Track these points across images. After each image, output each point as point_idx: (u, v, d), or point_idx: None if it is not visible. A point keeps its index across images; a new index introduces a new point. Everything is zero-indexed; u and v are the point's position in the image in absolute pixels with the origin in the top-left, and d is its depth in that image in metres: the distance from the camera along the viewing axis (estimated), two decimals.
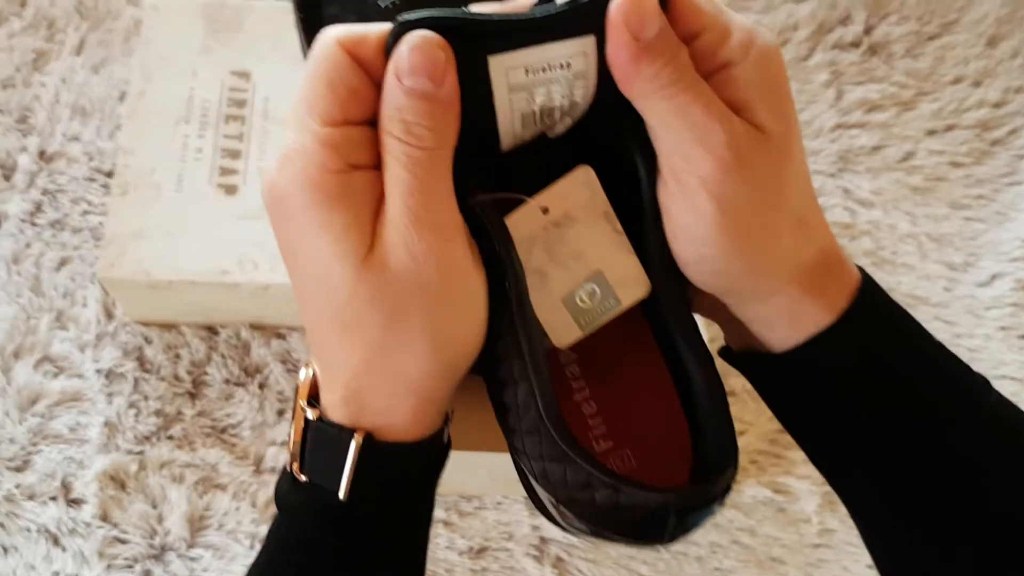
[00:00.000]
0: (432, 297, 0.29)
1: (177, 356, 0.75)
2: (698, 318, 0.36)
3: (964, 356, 0.81)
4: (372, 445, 0.32)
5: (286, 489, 0.35)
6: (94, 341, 0.75)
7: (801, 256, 0.32)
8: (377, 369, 0.31)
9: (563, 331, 0.34)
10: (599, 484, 0.30)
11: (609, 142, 0.33)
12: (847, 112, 0.90)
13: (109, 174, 0.81)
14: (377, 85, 0.29)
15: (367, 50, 0.29)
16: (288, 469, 0.34)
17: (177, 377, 0.74)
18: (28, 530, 0.69)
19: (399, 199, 0.28)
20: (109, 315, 0.76)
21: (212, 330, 0.76)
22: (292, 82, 0.76)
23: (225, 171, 0.72)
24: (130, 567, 0.68)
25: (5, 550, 0.68)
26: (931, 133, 0.90)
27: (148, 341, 0.75)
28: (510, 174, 0.33)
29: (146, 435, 0.72)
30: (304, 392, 0.33)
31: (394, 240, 0.28)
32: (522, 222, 0.33)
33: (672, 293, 0.32)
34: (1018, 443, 0.34)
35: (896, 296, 0.82)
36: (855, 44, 0.93)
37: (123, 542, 0.69)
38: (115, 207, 0.70)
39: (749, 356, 0.36)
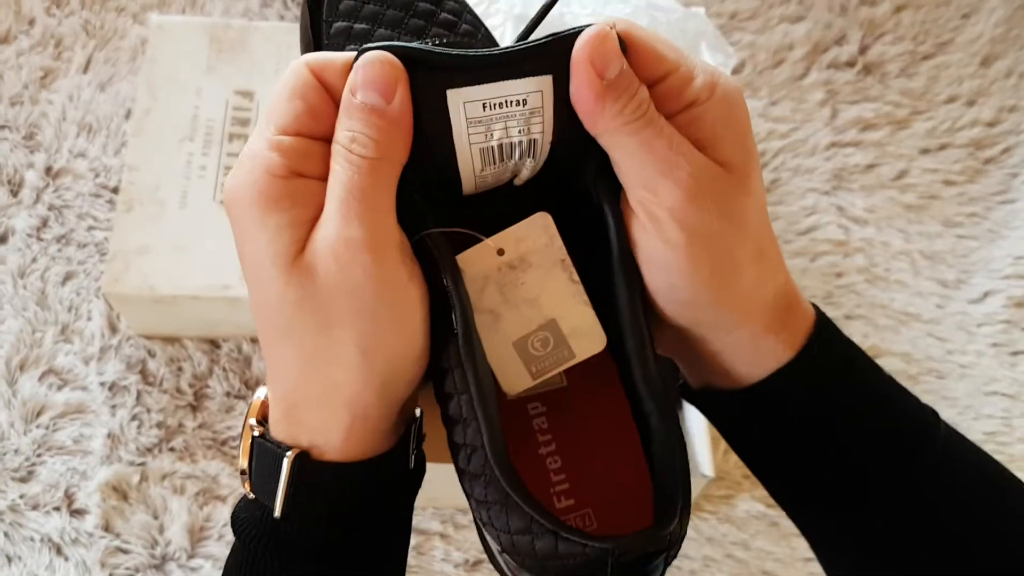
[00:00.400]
0: (358, 305, 0.29)
1: (179, 369, 0.76)
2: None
3: (956, 372, 0.83)
4: (306, 464, 0.32)
5: (240, 506, 0.35)
6: (98, 354, 0.76)
7: (763, 291, 0.33)
8: (310, 379, 0.31)
9: (514, 377, 0.34)
10: (539, 531, 0.30)
11: (574, 190, 0.33)
12: (842, 131, 0.91)
13: (115, 190, 0.82)
14: (337, 106, 0.30)
15: (332, 73, 0.30)
16: (243, 487, 0.35)
17: (179, 390, 0.75)
18: (32, 540, 0.70)
19: (333, 203, 0.29)
20: (113, 329, 0.77)
21: (214, 344, 0.77)
22: None
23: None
24: None
25: (9, 559, 0.70)
26: (925, 152, 0.91)
27: (151, 354, 0.76)
28: (475, 221, 0.33)
29: (148, 447, 0.73)
30: (255, 410, 0.34)
31: (322, 243, 0.29)
32: (476, 260, 0.33)
33: (637, 337, 0.32)
34: (967, 476, 0.35)
35: (889, 313, 0.83)
36: (850, 64, 0.94)
37: (125, 552, 0.70)
38: (120, 223, 0.72)
39: (708, 393, 0.37)
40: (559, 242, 0.34)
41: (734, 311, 0.33)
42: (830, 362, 0.35)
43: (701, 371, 0.37)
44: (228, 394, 0.76)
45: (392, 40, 0.35)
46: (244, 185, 0.30)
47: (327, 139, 0.30)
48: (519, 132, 0.31)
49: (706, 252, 0.31)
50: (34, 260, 0.80)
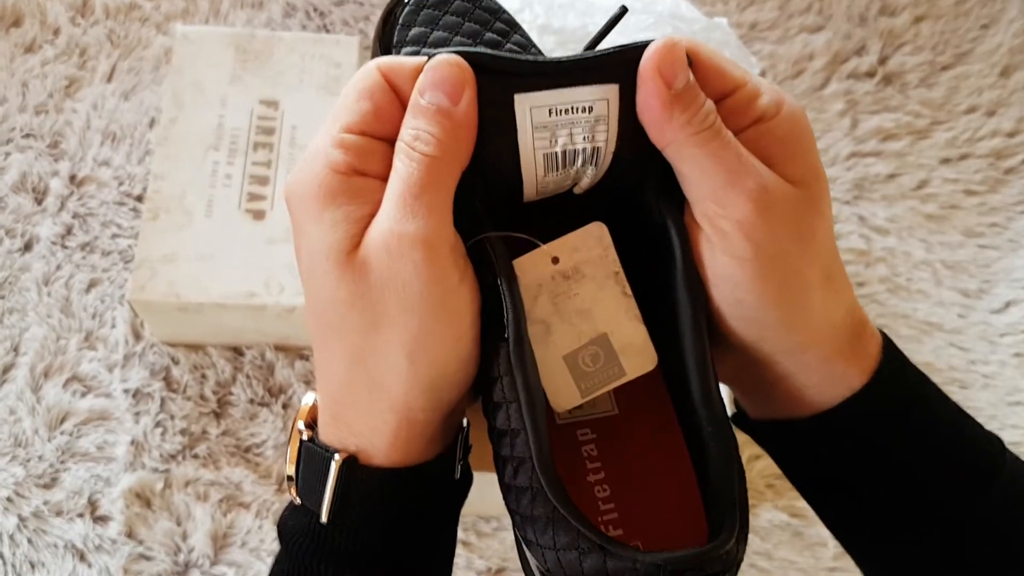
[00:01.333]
0: (407, 302, 0.29)
1: (203, 376, 0.76)
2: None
3: (979, 383, 0.82)
4: (353, 467, 0.32)
5: (286, 514, 0.35)
6: (122, 361, 0.76)
7: (832, 314, 0.33)
8: (358, 380, 0.31)
9: (563, 393, 0.33)
10: (587, 547, 0.29)
11: (634, 204, 0.33)
12: (862, 141, 0.91)
13: (138, 198, 0.83)
14: (404, 109, 0.31)
15: (401, 76, 0.31)
16: (289, 494, 0.35)
17: (203, 397, 0.75)
18: (55, 546, 0.70)
19: (390, 199, 0.29)
20: (137, 336, 0.77)
21: (238, 351, 0.77)
22: (319, 110, 0.78)
23: (253, 197, 0.74)
24: None
25: (33, 566, 0.70)
26: (945, 162, 0.91)
27: (175, 362, 0.77)
28: (533, 230, 0.33)
29: (172, 454, 0.73)
30: (304, 413, 0.34)
31: (375, 237, 0.29)
32: (530, 267, 0.33)
33: (699, 354, 0.31)
34: None
35: (911, 323, 0.83)
36: (870, 74, 0.94)
37: (148, 559, 0.70)
38: (146, 231, 0.72)
39: (771, 423, 0.36)
40: (613, 254, 0.33)
41: (802, 332, 0.32)
42: (902, 389, 0.34)
43: (765, 398, 0.36)
44: (252, 401, 0.76)
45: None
46: (304, 180, 0.30)
47: (391, 141, 0.30)
48: (584, 139, 0.31)
49: (774, 269, 0.31)
50: (58, 267, 0.80)
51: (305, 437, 0.33)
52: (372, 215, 0.30)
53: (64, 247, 0.81)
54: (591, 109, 0.30)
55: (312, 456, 0.33)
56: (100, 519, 0.72)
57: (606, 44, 0.33)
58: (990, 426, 0.81)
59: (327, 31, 0.93)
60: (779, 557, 0.74)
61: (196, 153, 0.76)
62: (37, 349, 0.77)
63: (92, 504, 0.72)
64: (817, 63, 0.94)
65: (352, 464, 0.32)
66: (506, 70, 0.30)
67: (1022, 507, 0.34)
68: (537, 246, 0.33)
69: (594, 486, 0.34)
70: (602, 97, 0.30)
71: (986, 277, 0.86)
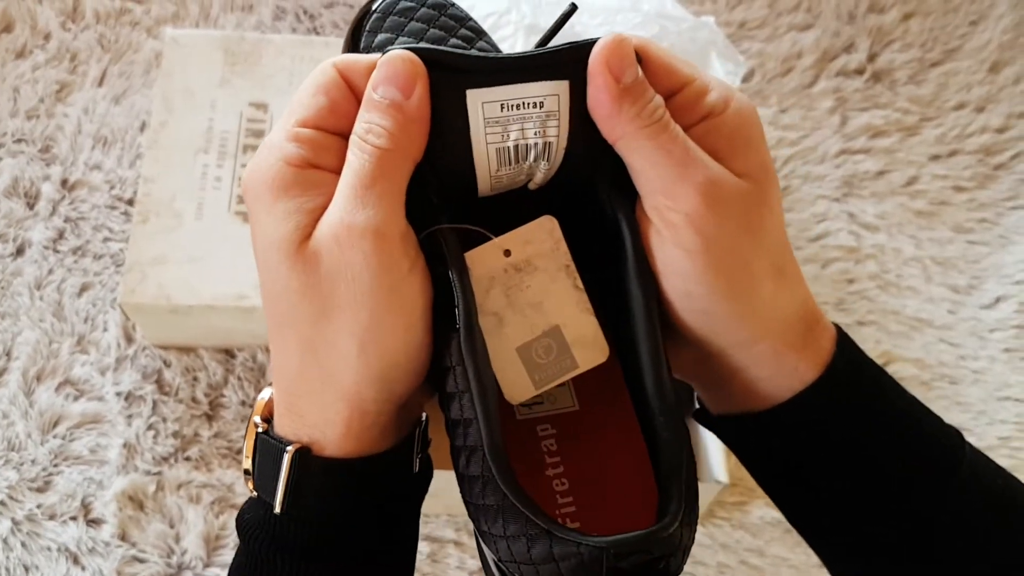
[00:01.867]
0: (356, 292, 0.30)
1: (195, 379, 0.77)
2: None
3: (969, 378, 0.83)
4: (306, 458, 0.32)
5: (244, 507, 0.35)
6: (114, 364, 0.77)
7: (783, 307, 0.33)
8: (310, 369, 0.31)
9: (517, 385, 0.34)
10: (535, 533, 0.29)
11: (587, 201, 0.34)
12: (851, 138, 0.91)
13: (130, 202, 0.83)
14: (359, 105, 0.31)
15: (356, 73, 0.31)
16: (247, 487, 0.35)
17: (195, 399, 0.76)
18: (49, 549, 0.71)
19: (341, 190, 0.30)
20: (129, 339, 0.78)
21: (229, 353, 0.78)
22: None
23: (243, 199, 0.74)
24: None
25: (27, 569, 0.70)
26: (935, 158, 0.91)
27: (167, 364, 0.77)
28: (488, 225, 0.34)
29: (164, 456, 0.74)
30: (260, 408, 0.34)
31: (326, 227, 0.30)
32: (482, 259, 0.34)
33: (652, 345, 0.32)
34: (998, 497, 0.35)
35: (901, 319, 0.83)
36: (859, 71, 0.95)
37: (141, 561, 0.70)
38: (136, 235, 0.72)
39: (729, 417, 0.37)
40: (564, 247, 0.34)
41: (753, 324, 0.33)
42: (856, 381, 0.34)
43: (721, 392, 0.36)
44: (243, 403, 0.76)
45: None
46: (259, 171, 0.31)
47: (346, 136, 0.31)
48: (535, 134, 0.31)
49: (723, 260, 0.31)
50: (50, 272, 0.80)
51: (260, 430, 0.34)
52: (325, 207, 0.30)
53: (56, 251, 0.81)
54: (542, 104, 0.31)
55: (267, 448, 0.33)
56: (93, 522, 0.72)
57: (558, 40, 0.33)
58: (979, 422, 0.81)
59: (317, 34, 0.93)
60: (771, 554, 0.74)
61: (186, 156, 0.76)
62: (29, 353, 0.77)
63: (85, 507, 0.72)
64: (806, 61, 0.94)
65: (304, 455, 0.32)
66: (458, 66, 0.30)
67: (984, 500, 0.34)
68: (490, 239, 0.34)
69: (552, 480, 0.35)
70: (552, 93, 0.31)
71: (976, 273, 0.86)
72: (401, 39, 0.36)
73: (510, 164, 0.32)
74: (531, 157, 0.32)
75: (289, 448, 0.32)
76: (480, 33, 0.37)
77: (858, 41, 0.96)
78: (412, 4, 0.37)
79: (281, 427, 0.33)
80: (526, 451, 0.35)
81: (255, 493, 0.34)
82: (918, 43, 0.96)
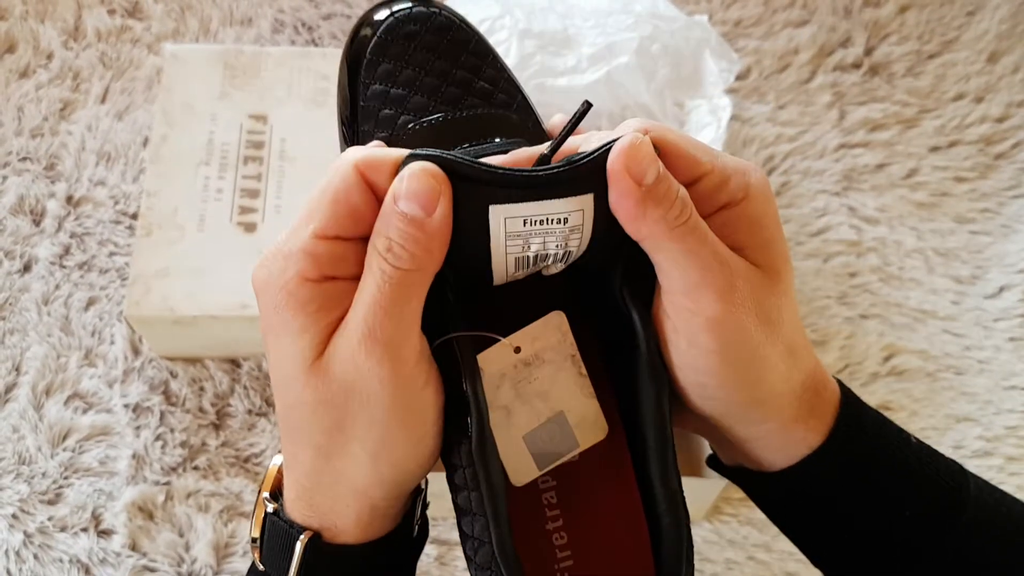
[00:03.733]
0: (372, 413, 0.30)
1: (201, 389, 0.77)
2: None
3: (974, 368, 0.82)
4: (318, 546, 0.33)
5: (249, 574, 0.36)
6: (121, 377, 0.78)
7: (792, 383, 0.33)
8: (323, 471, 0.32)
9: (522, 469, 0.34)
10: None
11: (604, 282, 0.34)
12: (850, 132, 0.92)
13: (134, 216, 0.84)
14: (379, 205, 0.30)
15: (380, 175, 0.30)
16: (252, 555, 0.36)
17: (201, 409, 0.76)
18: (61, 561, 0.71)
19: (360, 311, 0.29)
20: (136, 351, 0.79)
21: (235, 363, 0.78)
22: (307, 123, 0.79)
23: (244, 210, 0.75)
24: None
25: None
26: (934, 149, 0.91)
27: (173, 375, 0.78)
28: (500, 304, 0.34)
29: (172, 466, 0.74)
30: (268, 483, 0.34)
31: (343, 351, 0.29)
32: (495, 359, 0.34)
33: (661, 441, 0.32)
34: (1005, 531, 0.36)
35: (904, 311, 0.83)
36: (856, 65, 0.95)
37: (152, 570, 0.71)
38: (140, 247, 0.73)
39: (741, 470, 0.37)
40: (571, 339, 0.34)
41: (763, 408, 0.33)
42: (860, 439, 0.35)
43: (731, 453, 0.37)
44: (250, 412, 0.77)
45: (428, 106, 0.36)
46: (275, 282, 0.30)
47: (365, 238, 0.30)
48: (556, 246, 0.31)
49: (739, 357, 0.31)
50: (57, 287, 0.81)
51: (270, 509, 0.34)
52: (341, 319, 0.30)
53: (62, 267, 0.82)
54: (566, 220, 0.30)
55: (277, 530, 0.33)
56: (104, 533, 0.73)
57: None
58: (986, 412, 0.81)
59: (315, 45, 0.94)
60: (778, 549, 0.74)
61: (187, 169, 0.77)
62: (38, 368, 0.78)
63: (96, 518, 0.73)
64: (803, 57, 0.95)
65: (316, 543, 0.33)
66: (482, 180, 0.30)
67: (989, 538, 0.35)
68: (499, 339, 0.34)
69: (552, 533, 0.35)
70: (577, 208, 0.30)
71: (979, 263, 0.86)
72: (407, 72, 0.35)
73: (528, 267, 0.32)
74: (550, 261, 0.32)
75: (302, 537, 0.32)
76: (483, 56, 0.37)
77: (854, 35, 0.96)
78: (415, 28, 0.36)
79: (292, 510, 0.33)
80: (527, 503, 0.35)
81: (262, 567, 0.35)
82: (915, 35, 0.96)
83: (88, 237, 0.83)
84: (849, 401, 0.36)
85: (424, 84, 0.37)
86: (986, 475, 0.76)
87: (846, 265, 0.85)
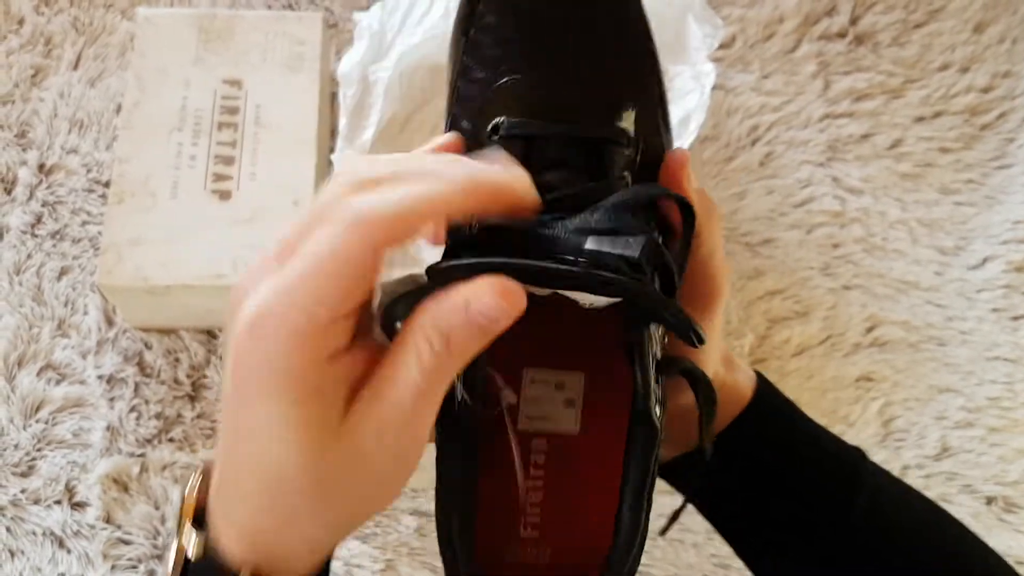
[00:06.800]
0: (373, 487, 0.29)
1: (176, 360, 0.76)
2: None
3: (957, 339, 0.82)
4: None
5: None
6: (95, 348, 0.76)
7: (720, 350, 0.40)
8: (280, 524, 0.29)
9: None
10: None
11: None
12: (835, 102, 0.91)
13: (107, 184, 0.82)
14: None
15: (393, 236, 0.27)
16: None
17: (177, 381, 0.75)
18: (34, 533, 0.70)
19: (398, 400, 0.27)
20: (109, 322, 0.77)
21: (210, 334, 0.77)
22: (283, 88, 0.77)
23: (219, 177, 0.74)
24: (134, 567, 0.70)
25: (12, 554, 0.70)
26: (919, 120, 0.90)
27: (148, 346, 0.76)
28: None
29: (147, 438, 0.73)
30: (189, 511, 0.31)
31: (369, 434, 0.28)
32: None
33: (646, 435, 0.32)
34: (899, 514, 0.41)
35: (887, 281, 0.83)
36: (841, 34, 0.94)
37: (127, 543, 0.70)
38: (112, 215, 0.72)
39: (677, 462, 0.41)
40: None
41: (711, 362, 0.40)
42: (773, 412, 0.42)
43: (670, 434, 0.39)
44: None
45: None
46: (268, 360, 0.26)
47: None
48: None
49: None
50: (29, 256, 0.80)
51: (194, 550, 0.30)
52: (348, 399, 0.28)
53: (34, 236, 0.81)
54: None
55: (209, 567, 0.30)
56: (78, 505, 0.72)
57: None
58: (968, 383, 0.81)
59: (291, 9, 0.92)
60: None
61: (160, 135, 0.75)
62: (10, 338, 0.76)
63: (69, 491, 0.72)
64: (788, 26, 0.93)
65: None
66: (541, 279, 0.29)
67: (886, 514, 0.40)
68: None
69: (529, 490, 0.35)
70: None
71: (963, 234, 0.86)
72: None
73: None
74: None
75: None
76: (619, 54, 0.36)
77: (840, 4, 0.95)
78: None
79: (224, 543, 0.30)
80: (514, 458, 0.35)
81: None
82: (901, 4, 0.95)
83: (60, 206, 0.82)
84: (762, 378, 0.42)
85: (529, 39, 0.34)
86: (968, 446, 0.77)
87: (829, 236, 0.85)
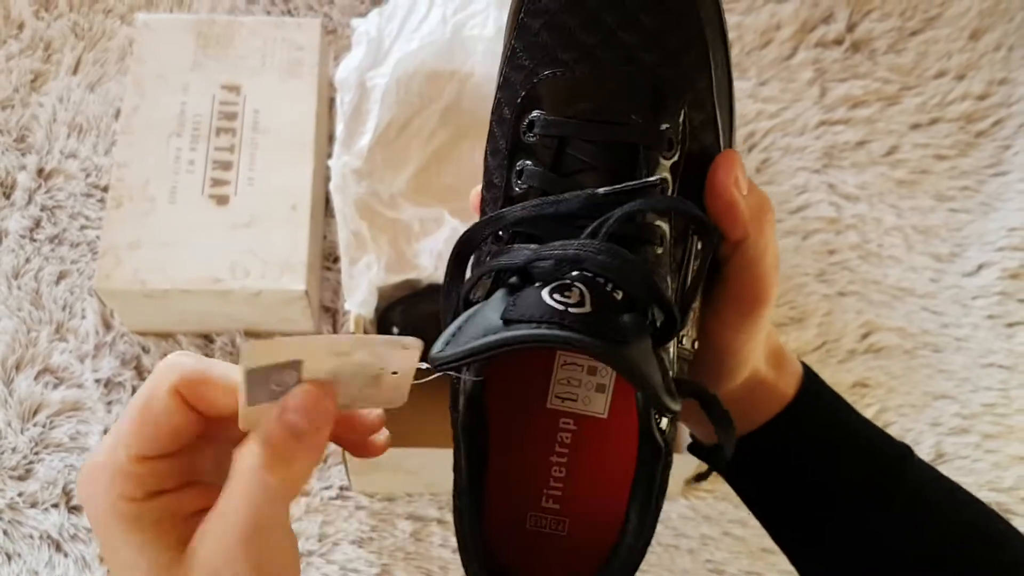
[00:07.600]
0: None
1: None
2: None
3: (952, 346, 0.82)
4: None
5: None
6: (93, 352, 0.76)
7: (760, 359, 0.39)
8: None
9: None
10: None
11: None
12: (831, 109, 0.91)
13: (106, 189, 0.82)
14: (202, 416, 0.30)
15: (208, 393, 0.30)
16: None
17: None
18: (31, 537, 0.70)
19: (235, 517, 0.29)
20: (107, 326, 0.77)
21: (208, 338, 0.77)
22: (281, 94, 0.78)
23: (217, 182, 0.74)
24: None
25: (9, 557, 0.70)
26: (915, 127, 0.91)
27: (145, 350, 0.77)
28: None
29: None
30: None
31: (214, 555, 0.29)
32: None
33: (650, 452, 0.33)
34: (941, 506, 0.41)
35: (883, 288, 0.83)
36: (838, 42, 0.94)
37: None
38: (110, 219, 0.72)
39: (716, 448, 0.40)
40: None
41: (751, 360, 0.39)
42: (819, 405, 0.41)
43: (708, 428, 0.39)
44: None
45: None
46: (100, 503, 0.29)
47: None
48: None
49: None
50: (27, 260, 0.80)
51: None
52: (183, 524, 0.29)
53: (33, 240, 0.81)
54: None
55: None
56: (75, 509, 0.72)
57: None
58: (963, 389, 0.81)
59: (291, 15, 0.92)
60: (753, 524, 0.72)
61: (159, 140, 0.75)
62: (8, 342, 0.77)
63: (67, 494, 0.72)
64: (785, 32, 0.94)
65: None
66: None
67: (928, 506, 0.40)
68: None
69: (553, 465, 0.36)
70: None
71: (958, 241, 0.86)
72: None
73: None
74: None
75: None
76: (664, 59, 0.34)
77: (837, 11, 0.95)
78: None
79: None
80: (543, 433, 0.36)
81: None
82: (897, 12, 0.96)
83: (59, 210, 0.82)
84: (811, 374, 0.41)
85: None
86: (963, 452, 0.77)
87: (825, 243, 0.85)
